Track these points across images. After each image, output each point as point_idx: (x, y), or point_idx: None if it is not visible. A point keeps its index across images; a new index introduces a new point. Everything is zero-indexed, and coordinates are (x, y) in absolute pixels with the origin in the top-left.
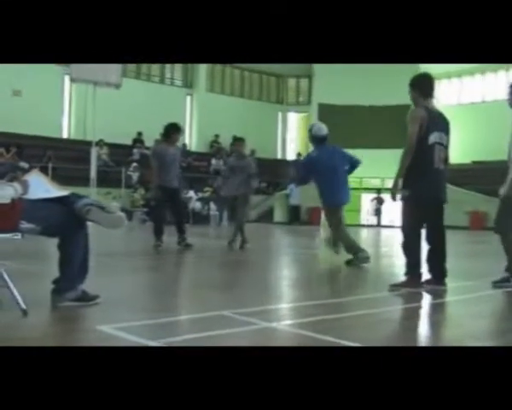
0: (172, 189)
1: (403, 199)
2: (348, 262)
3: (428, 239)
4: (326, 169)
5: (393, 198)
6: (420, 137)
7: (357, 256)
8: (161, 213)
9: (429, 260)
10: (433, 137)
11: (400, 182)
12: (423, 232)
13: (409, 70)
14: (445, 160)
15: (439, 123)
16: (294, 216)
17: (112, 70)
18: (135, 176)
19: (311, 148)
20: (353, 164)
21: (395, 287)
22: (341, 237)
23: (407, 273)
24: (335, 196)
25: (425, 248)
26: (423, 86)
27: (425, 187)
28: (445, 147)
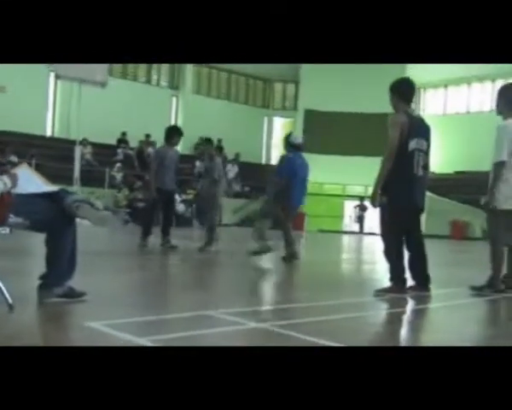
0: (169, 191)
1: (381, 205)
2: (286, 258)
3: (409, 246)
4: (298, 173)
5: (373, 205)
6: (400, 142)
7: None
8: (153, 214)
9: (411, 266)
10: (414, 144)
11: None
12: (403, 238)
13: (395, 78)
14: (425, 166)
15: (420, 129)
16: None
17: (98, 69)
18: (118, 176)
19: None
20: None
21: (380, 292)
22: (287, 231)
23: (391, 279)
24: (300, 199)
25: (406, 255)
26: (403, 91)
27: (404, 194)
28: (426, 153)
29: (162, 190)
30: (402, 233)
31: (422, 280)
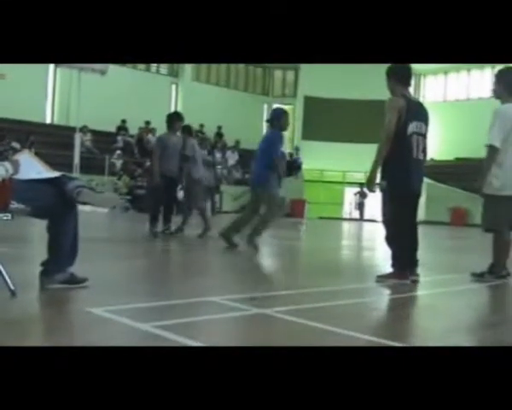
0: (171, 177)
1: (382, 191)
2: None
3: None
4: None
5: (370, 189)
6: (398, 126)
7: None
8: (159, 200)
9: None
10: (412, 127)
11: (379, 173)
12: (406, 222)
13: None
14: (424, 150)
15: (419, 112)
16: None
17: None
18: (118, 163)
19: (296, 141)
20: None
21: (382, 278)
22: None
23: (393, 265)
24: None
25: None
26: (400, 75)
27: (403, 178)
28: (424, 136)
29: (166, 176)
30: (404, 217)
31: (412, 264)
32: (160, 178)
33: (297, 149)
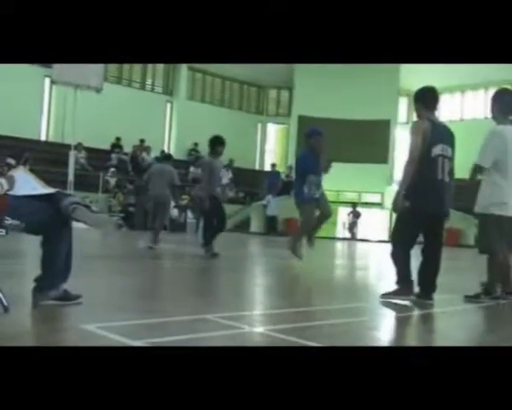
0: (218, 198)
1: (404, 210)
2: None
3: (424, 252)
4: None
5: (394, 209)
6: (423, 149)
7: None
8: (212, 221)
9: (421, 273)
10: (437, 150)
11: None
12: (415, 244)
13: (389, 86)
14: (451, 172)
15: (444, 135)
16: (271, 227)
17: (93, 74)
18: (112, 181)
19: (289, 160)
20: None
21: (386, 296)
22: None
23: (398, 282)
24: None
25: (419, 260)
26: (427, 99)
27: (426, 200)
28: (450, 159)
29: (217, 197)
30: (414, 239)
31: (428, 288)
32: (209, 200)
33: (291, 168)
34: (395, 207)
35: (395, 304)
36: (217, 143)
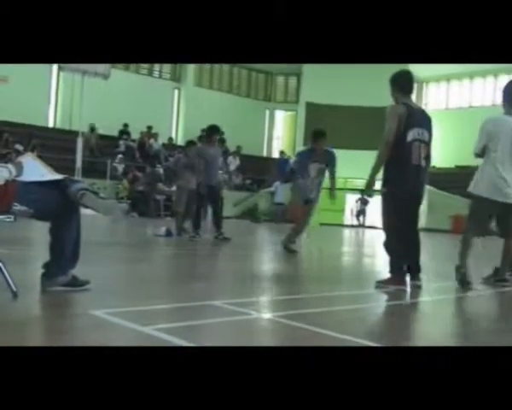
0: (211, 186)
1: (382, 196)
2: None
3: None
4: None
5: (367, 194)
6: (398, 133)
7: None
8: (199, 208)
9: (405, 256)
10: (413, 134)
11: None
12: (403, 229)
13: (397, 71)
14: (427, 157)
15: (420, 119)
16: (279, 214)
17: None
18: (120, 168)
19: (298, 147)
20: None
21: (380, 284)
22: None
23: (391, 271)
24: None
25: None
26: (402, 83)
27: (401, 184)
28: (427, 143)
29: (211, 185)
30: (403, 224)
31: (414, 269)
32: (203, 188)
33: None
34: (368, 192)
35: (393, 291)
36: (214, 131)
